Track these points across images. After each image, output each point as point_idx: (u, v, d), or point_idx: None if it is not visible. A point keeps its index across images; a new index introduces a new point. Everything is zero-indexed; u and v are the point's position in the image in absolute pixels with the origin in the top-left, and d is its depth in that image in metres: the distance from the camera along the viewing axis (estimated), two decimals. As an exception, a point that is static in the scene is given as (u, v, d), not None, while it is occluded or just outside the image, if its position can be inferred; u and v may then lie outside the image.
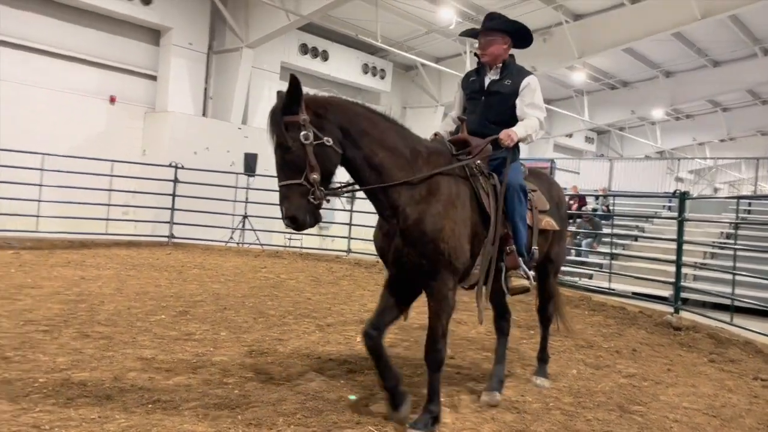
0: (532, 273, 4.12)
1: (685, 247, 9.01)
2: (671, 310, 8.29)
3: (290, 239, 14.79)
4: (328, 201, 3.43)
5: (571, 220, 14.20)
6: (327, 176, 3.37)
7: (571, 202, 14.88)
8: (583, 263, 13.90)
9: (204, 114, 16.35)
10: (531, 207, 4.20)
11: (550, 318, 4.86)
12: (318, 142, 3.29)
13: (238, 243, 13.65)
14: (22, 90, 13.51)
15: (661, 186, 22.82)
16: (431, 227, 3.52)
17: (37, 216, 11.45)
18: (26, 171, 11.21)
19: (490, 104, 4.19)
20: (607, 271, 11.05)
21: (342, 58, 19.19)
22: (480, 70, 4.31)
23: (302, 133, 3.25)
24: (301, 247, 14.06)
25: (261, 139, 17.19)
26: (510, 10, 15.84)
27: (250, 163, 13.72)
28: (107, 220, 12.44)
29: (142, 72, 15.62)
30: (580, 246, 14.36)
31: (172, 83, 15.38)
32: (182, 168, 12.88)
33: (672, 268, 8.97)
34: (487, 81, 4.24)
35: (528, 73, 4.22)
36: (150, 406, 3.52)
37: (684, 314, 8.14)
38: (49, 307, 5.79)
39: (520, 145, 4.10)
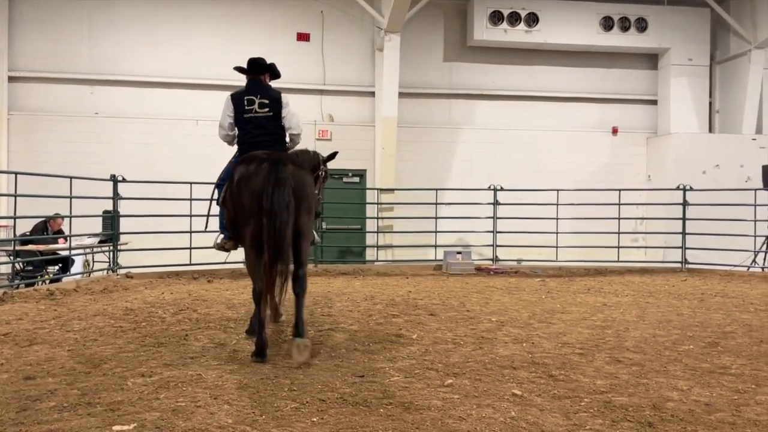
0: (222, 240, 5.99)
1: None
2: None
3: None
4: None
5: None
6: None
7: None
8: None
9: (710, 130, 15.37)
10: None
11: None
12: None
13: (762, 267, 12.16)
14: (533, 135, 15.37)
15: None
16: None
17: (556, 246, 12.64)
18: (545, 206, 12.62)
19: None
20: None
21: None
22: None
23: None
24: None
25: (785, 148, 14.94)
26: None
27: (771, 177, 12.22)
28: (618, 247, 12.79)
29: (641, 98, 15.79)
30: None
31: (674, 104, 15.01)
32: (691, 190, 12.34)
33: None
34: None
35: None
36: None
37: None
38: (579, 332, 6.28)
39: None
